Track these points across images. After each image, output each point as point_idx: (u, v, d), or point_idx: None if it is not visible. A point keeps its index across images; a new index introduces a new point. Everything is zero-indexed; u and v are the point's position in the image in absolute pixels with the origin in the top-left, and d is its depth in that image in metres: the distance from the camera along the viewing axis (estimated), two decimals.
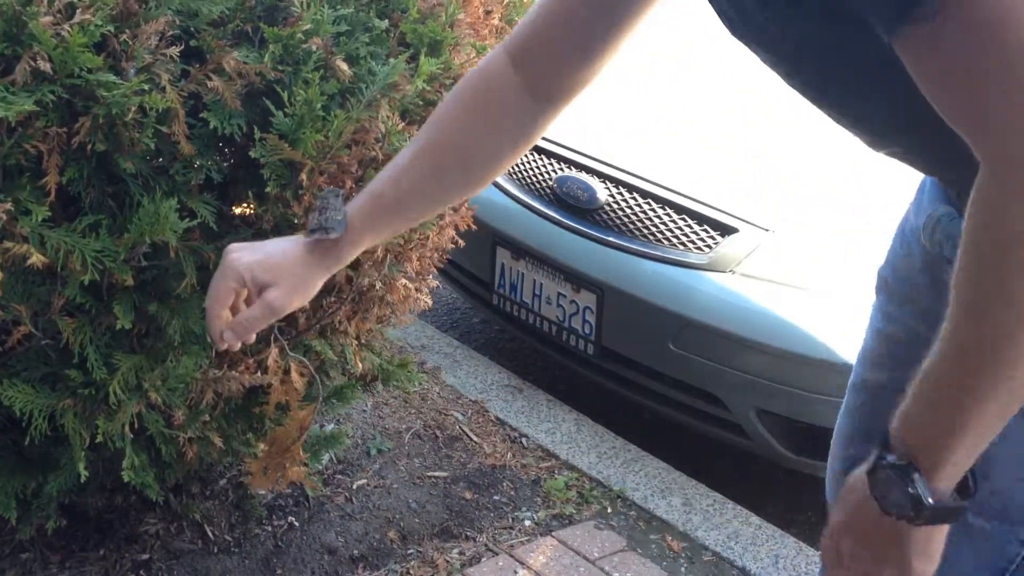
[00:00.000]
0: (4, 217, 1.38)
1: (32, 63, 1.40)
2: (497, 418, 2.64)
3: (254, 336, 1.14)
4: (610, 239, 2.57)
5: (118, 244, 1.48)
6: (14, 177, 1.44)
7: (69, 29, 1.40)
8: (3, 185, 1.42)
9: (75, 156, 1.47)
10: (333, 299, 1.87)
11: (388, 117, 1.73)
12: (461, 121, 1.11)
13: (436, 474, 2.40)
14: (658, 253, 2.50)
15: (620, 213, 2.58)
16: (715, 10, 0.93)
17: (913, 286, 1.12)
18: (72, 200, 1.52)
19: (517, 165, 2.83)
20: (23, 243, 1.41)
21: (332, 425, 2.41)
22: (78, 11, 1.43)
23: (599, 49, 1.05)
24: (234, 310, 1.13)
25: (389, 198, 1.11)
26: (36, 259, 1.41)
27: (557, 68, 1.07)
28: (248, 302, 1.13)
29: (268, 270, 1.09)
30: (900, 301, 1.15)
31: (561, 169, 2.73)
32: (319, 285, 1.13)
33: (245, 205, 1.73)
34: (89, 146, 1.45)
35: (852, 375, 1.25)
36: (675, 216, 2.50)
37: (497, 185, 2.83)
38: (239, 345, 1.14)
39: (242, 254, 1.10)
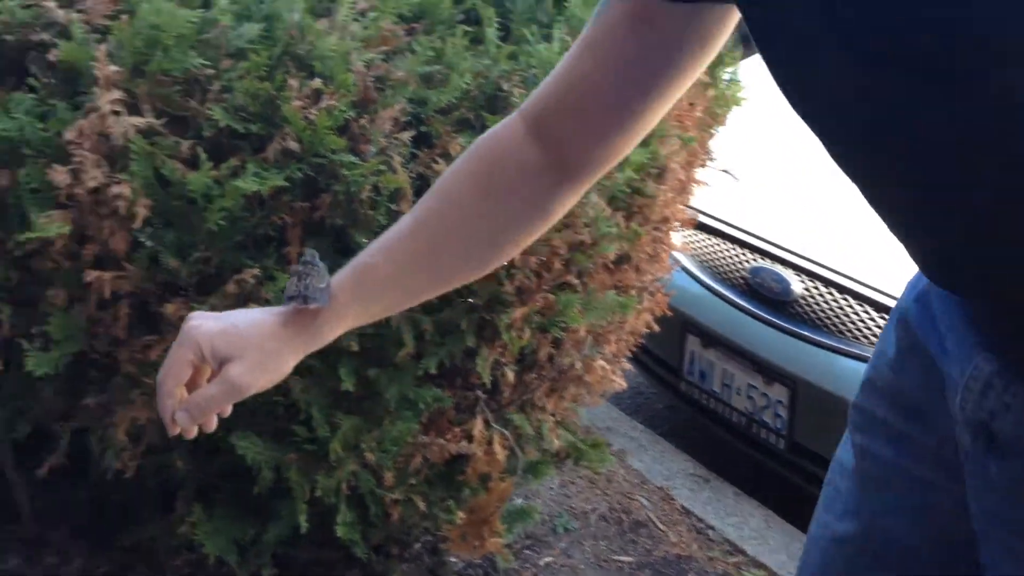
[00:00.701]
0: (252, 281, 1.52)
1: (283, 142, 1.55)
2: (683, 507, 2.63)
3: (214, 421, 0.97)
4: (804, 333, 2.55)
5: None
6: (262, 246, 1.58)
7: (316, 113, 1.54)
8: (253, 253, 1.56)
9: (315, 229, 1.61)
10: (535, 376, 1.94)
11: (596, 203, 1.81)
12: (466, 192, 0.96)
13: (622, 559, 2.41)
14: (855, 350, 2.46)
15: (816, 307, 2.57)
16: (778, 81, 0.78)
17: (915, 416, 0.93)
18: None
19: (710, 253, 2.87)
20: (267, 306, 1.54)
21: (522, 500, 2.47)
22: (324, 96, 1.57)
23: (623, 120, 0.91)
24: (192, 386, 0.96)
25: (382, 271, 0.96)
26: None
27: (576, 139, 0.92)
28: (211, 378, 0.96)
29: (231, 342, 0.92)
30: (887, 434, 0.97)
31: (755, 259, 2.74)
32: (291, 364, 0.97)
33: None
34: (329, 221, 1.59)
35: (812, 525, 1.07)
36: (873, 313, 2.47)
37: (688, 272, 2.87)
38: (194, 431, 0.96)
39: (204, 322, 0.94)
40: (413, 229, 0.96)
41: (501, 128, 0.95)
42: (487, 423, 1.78)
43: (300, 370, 1.66)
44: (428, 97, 1.70)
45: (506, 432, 1.81)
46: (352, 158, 1.57)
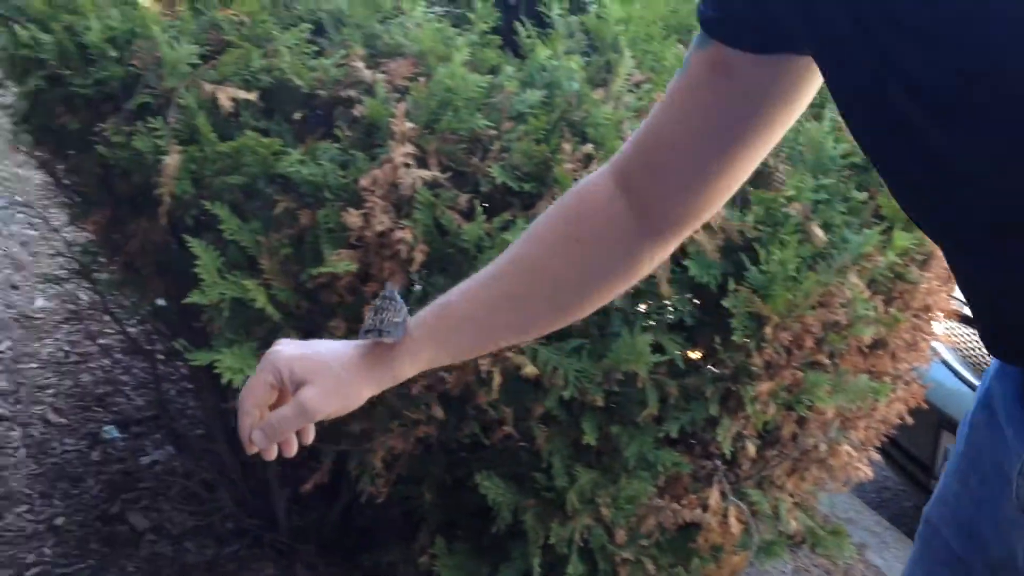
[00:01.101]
0: None
1: (552, 201, 1.63)
2: None
3: (294, 445, 0.99)
4: None
5: (596, 368, 1.66)
6: None
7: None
8: None
9: None
10: (776, 453, 1.92)
11: (855, 284, 1.78)
12: (553, 237, 0.95)
13: None
14: None
15: None
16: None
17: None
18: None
19: (973, 348, 2.73)
20: (520, 355, 1.63)
21: None
22: (594, 161, 1.65)
23: (705, 174, 0.88)
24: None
25: (459, 313, 0.96)
26: (529, 370, 1.62)
27: (658, 192, 0.90)
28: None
29: (308, 367, 0.95)
30: (946, 556, 0.92)
31: None
32: (364, 396, 0.98)
33: (707, 349, 1.85)
34: None
35: None
36: None
37: (948, 366, 2.74)
38: (273, 451, 0.98)
39: (286, 348, 0.97)
40: (497, 271, 0.96)
41: (592, 179, 0.95)
42: (723, 494, 1.78)
43: (546, 419, 1.74)
44: None
45: (742, 506, 1.80)
46: None
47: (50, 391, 3.26)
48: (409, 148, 1.53)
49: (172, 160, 1.50)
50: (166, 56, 1.54)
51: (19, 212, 4.33)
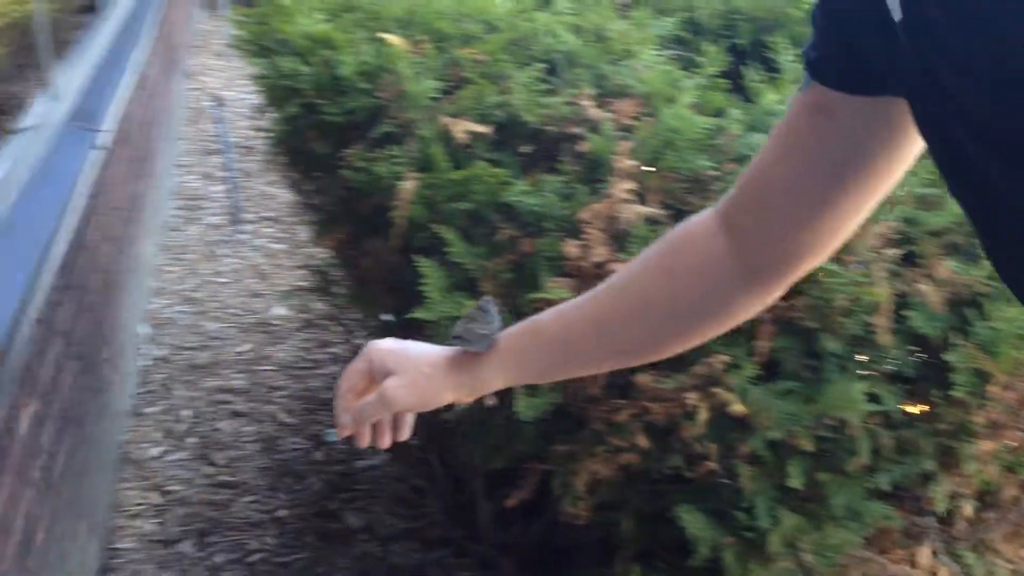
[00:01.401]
0: (720, 367, 1.63)
1: None
2: None
3: (387, 438, 1.03)
4: None
5: (807, 412, 1.64)
6: (733, 335, 1.68)
7: None
8: (724, 340, 1.66)
9: (786, 327, 1.68)
10: (995, 516, 1.84)
11: None
12: (650, 267, 0.94)
13: None
14: None
15: None
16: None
17: None
18: (774, 364, 1.72)
19: None
20: (729, 392, 1.64)
21: None
22: None
23: (807, 217, 0.85)
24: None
25: (549, 333, 0.96)
26: (736, 408, 1.63)
27: (758, 234, 0.87)
28: None
29: (397, 360, 0.98)
30: None
31: None
32: (443, 398, 1.00)
33: (926, 402, 1.80)
34: (801, 322, 1.65)
35: None
36: None
37: None
38: (365, 437, 1.02)
39: (383, 343, 1.01)
40: (591, 296, 0.96)
41: (699, 216, 0.93)
42: (935, 553, 1.72)
43: (751, 458, 1.74)
44: (921, 218, 1.70)
45: (955, 567, 1.73)
46: (835, 266, 1.62)
47: (282, 393, 3.50)
48: (630, 184, 1.58)
49: (408, 185, 1.61)
50: (410, 90, 1.66)
51: (266, 227, 4.68)
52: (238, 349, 3.73)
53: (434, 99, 1.70)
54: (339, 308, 3.35)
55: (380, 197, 1.74)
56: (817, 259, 0.88)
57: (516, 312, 1.74)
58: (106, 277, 3.01)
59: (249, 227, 4.64)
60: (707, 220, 0.92)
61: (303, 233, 4.58)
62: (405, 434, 1.05)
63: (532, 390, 1.77)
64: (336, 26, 1.90)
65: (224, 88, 6.84)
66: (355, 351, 2.81)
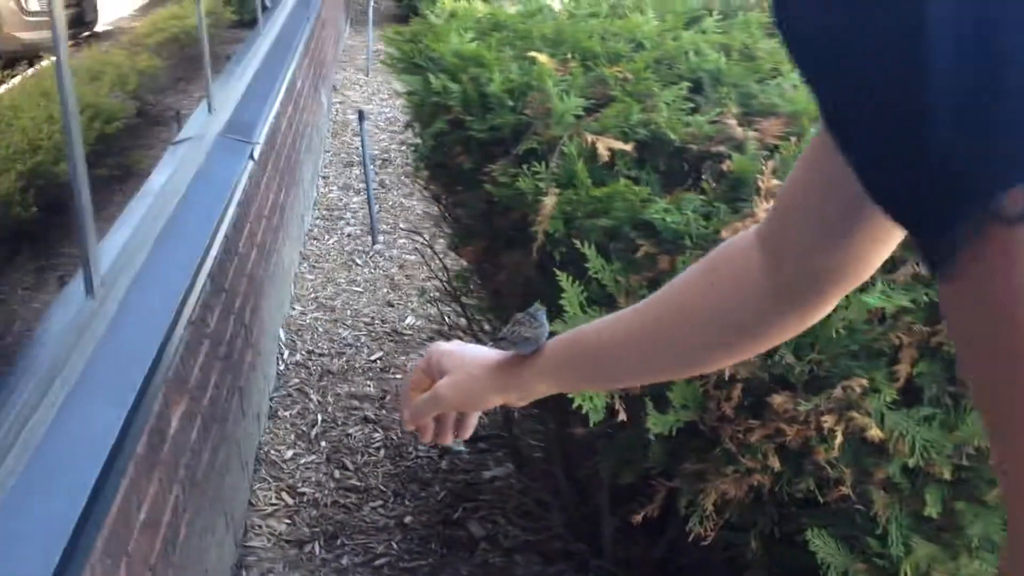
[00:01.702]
0: (858, 391, 1.62)
1: (915, 267, 1.63)
2: None
3: (447, 435, 1.08)
4: None
5: (947, 439, 1.62)
6: (874, 359, 1.67)
7: None
8: (865, 364, 1.65)
9: (928, 353, 1.66)
10: None
11: None
12: (691, 281, 0.94)
13: None
14: None
15: None
16: None
17: None
18: (915, 390, 1.70)
19: None
20: (866, 416, 1.63)
21: None
22: None
23: (829, 240, 0.81)
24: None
25: (590, 341, 0.98)
26: (873, 433, 1.61)
27: (788, 251, 0.85)
28: None
29: (451, 361, 1.04)
30: None
31: None
32: (489, 400, 1.05)
33: None
34: (944, 348, 1.63)
35: None
36: None
37: None
38: (427, 432, 1.08)
39: (442, 344, 1.07)
40: (636, 307, 0.97)
41: (741, 232, 0.93)
42: None
43: (886, 485, 1.72)
44: None
45: None
46: None
47: None
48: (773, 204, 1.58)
49: (549, 201, 1.65)
50: (556, 107, 1.71)
51: (401, 238, 4.80)
52: (370, 356, 3.84)
53: (578, 116, 1.74)
54: (468, 319, 3.43)
55: (520, 211, 1.79)
56: (848, 284, 0.86)
57: None
58: (251, 282, 3.15)
59: (384, 238, 4.76)
60: (748, 236, 0.91)
61: (436, 245, 4.70)
62: (467, 433, 1.09)
63: (663, 407, 1.79)
64: (485, 45, 1.96)
65: (365, 102, 7.06)
66: None
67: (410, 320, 4.08)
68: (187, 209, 2.50)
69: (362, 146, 4.60)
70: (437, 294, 3.73)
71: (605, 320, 0.99)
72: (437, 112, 1.90)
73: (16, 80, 5.29)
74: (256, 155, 3.11)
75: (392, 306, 4.20)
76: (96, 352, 1.81)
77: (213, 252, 2.43)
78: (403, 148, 6.08)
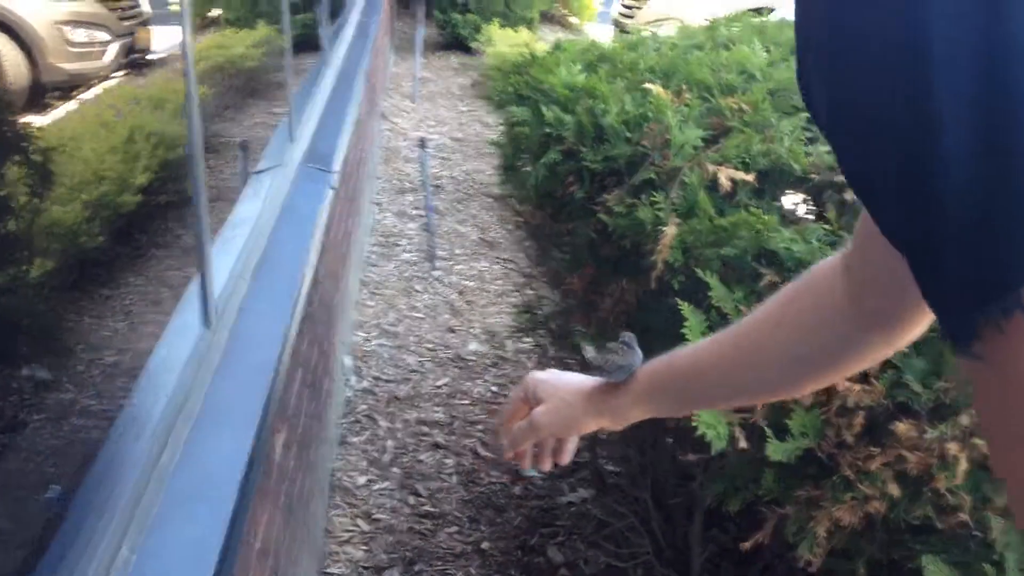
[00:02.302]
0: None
1: None
2: None
3: (547, 462, 1.11)
4: None
5: None
6: None
7: None
8: None
9: None
10: None
11: None
12: (780, 303, 0.94)
13: None
14: None
15: None
16: None
17: None
18: None
19: None
20: None
21: None
22: None
23: (913, 290, 0.78)
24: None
25: (681, 367, 1.00)
26: None
27: (866, 281, 0.84)
28: None
29: (547, 389, 1.07)
30: None
31: None
32: (585, 425, 1.07)
33: None
34: None
35: None
36: None
37: None
38: (526, 459, 1.11)
39: (540, 373, 1.10)
40: (729, 329, 0.98)
41: (830, 257, 0.92)
42: None
43: (1006, 512, 1.72)
44: None
45: None
46: None
47: (479, 427, 3.60)
48: None
49: (670, 230, 1.67)
50: (675, 138, 1.73)
51: (458, 264, 4.84)
52: (436, 383, 3.86)
53: (697, 147, 1.77)
54: (541, 347, 3.44)
55: (636, 241, 1.81)
56: (922, 322, 0.85)
57: None
58: (329, 311, 3.19)
59: (441, 264, 4.80)
60: (836, 260, 0.91)
61: (492, 272, 4.73)
62: (565, 459, 1.12)
63: (783, 435, 1.80)
64: (595, 77, 1.99)
65: (413, 129, 7.12)
66: None
67: (473, 346, 4.11)
68: (279, 239, 2.54)
69: (423, 172, 4.64)
70: (502, 320, 3.74)
71: (699, 345, 1.01)
72: (549, 143, 1.92)
73: (74, 109, 5.37)
74: (336, 184, 3.15)
75: (454, 332, 4.23)
76: (214, 383, 1.84)
77: (305, 284, 2.47)
78: (454, 176, 6.13)
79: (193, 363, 1.83)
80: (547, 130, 1.89)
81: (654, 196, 1.77)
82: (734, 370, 0.97)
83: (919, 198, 0.49)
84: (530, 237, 2.55)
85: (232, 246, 2.36)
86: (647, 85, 1.85)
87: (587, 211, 1.94)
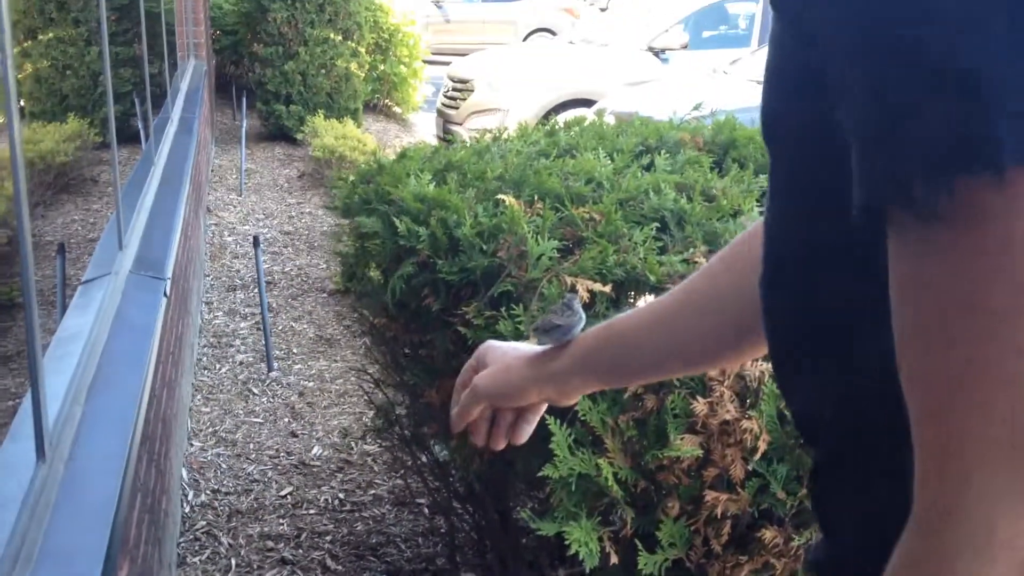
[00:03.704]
0: None
1: None
2: None
3: (501, 441, 1.06)
4: None
5: None
6: None
7: None
8: None
9: None
10: None
11: None
12: (714, 264, 0.94)
13: None
14: None
15: None
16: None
17: None
18: None
19: None
20: None
21: None
22: None
23: None
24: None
25: (618, 329, 0.97)
26: None
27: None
28: None
29: (492, 356, 1.04)
30: None
31: None
32: (526, 393, 1.01)
33: None
34: None
35: None
36: None
37: None
38: (481, 432, 1.06)
39: (493, 341, 1.09)
40: (663, 297, 0.97)
41: (757, 221, 0.90)
42: None
43: None
44: None
45: None
46: None
47: (328, 538, 3.46)
48: None
49: (532, 342, 1.65)
50: (532, 250, 1.72)
51: (296, 363, 4.69)
52: (280, 492, 3.70)
53: (552, 259, 1.76)
54: (391, 448, 3.35)
55: None
56: None
57: (637, 469, 1.77)
58: (165, 425, 3.01)
59: (279, 364, 4.65)
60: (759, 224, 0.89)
61: (331, 371, 4.61)
62: (521, 438, 1.06)
63: (652, 546, 1.79)
64: (446, 188, 1.97)
65: (240, 223, 6.94)
66: (401, 492, 2.84)
67: (317, 450, 3.97)
68: (113, 355, 2.39)
69: (258, 272, 4.51)
70: (344, 422, 3.63)
71: (637, 309, 0.99)
72: (402, 255, 1.88)
73: None
74: (168, 291, 3.00)
75: (296, 436, 4.08)
76: (52, 523, 1.69)
77: (143, 403, 2.32)
78: (286, 271, 5.99)
79: (29, 502, 1.67)
80: (401, 242, 1.86)
81: (514, 309, 1.75)
82: (670, 331, 0.94)
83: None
84: (380, 343, 2.49)
85: (64, 364, 2.20)
86: (500, 196, 1.85)
87: (444, 323, 1.90)
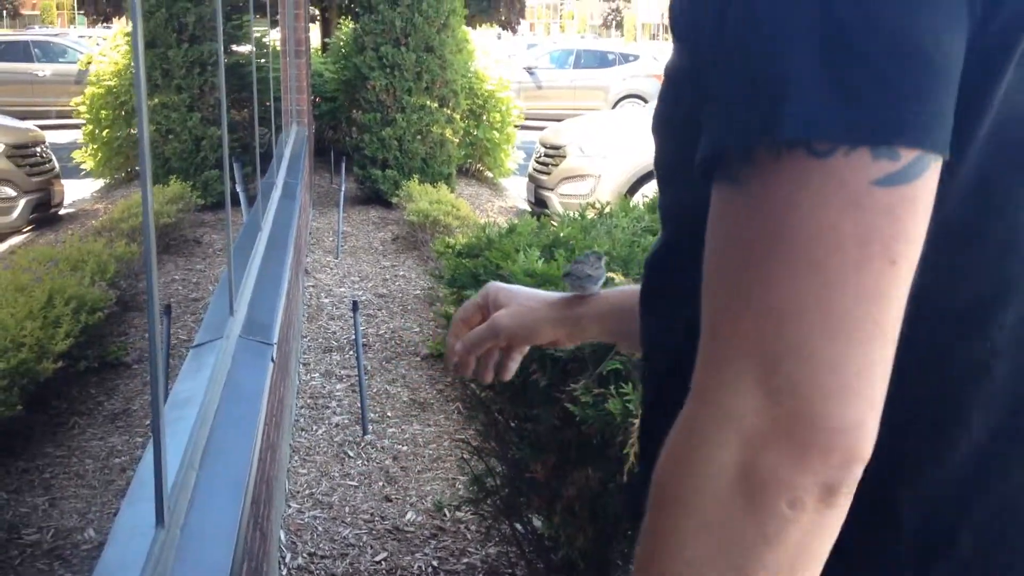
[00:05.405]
0: None
1: None
2: None
3: (490, 373, 1.12)
4: None
5: None
6: None
7: None
8: None
9: None
10: None
11: None
12: None
13: None
14: None
15: None
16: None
17: None
18: None
19: None
20: None
21: None
22: None
23: None
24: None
25: (632, 293, 1.00)
26: None
27: None
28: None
29: (508, 295, 1.08)
30: None
31: None
32: (543, 333, 1.07)
33: None
34: None
35: None
36: None
37: None
38: (470, 366, 1.11)
39: (501, 283, 1.12)
40: None
41: None
42: None
43: None
44: None
45: None
46: None
47: None
48: None
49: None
50: None
51: (391, 427, 4.75)
52: (375, 557, 3.72)
53: None
54: (482, 517, 3.35)
55: (609, 432, 1.79)
56: None
57: None
58: (269, 487, 3.07)
59: (373, 427, 4.71)
60: None
61: (424, 435, 4.65)
62: (507, 375, 1.13)
63: None
64: (554, 264, 1.99)
65: (337, 285, 7.08)
66: (495, 561, 2.84)
67: (410, 516, 3.99)
68: (225, 421, 2.45)
69: (356, 336, 4.59)
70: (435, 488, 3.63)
71: None
72: None
73: None
74: (275, 356, 3.08)
75: (390, 501, 4.11)
76: None
77: (253, 470, 2.38)
78: (380, 333, 6.08)
79: (148, 568, 1.72)
80: None
81: (623, 387, 1.76)
82: None
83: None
84: (480, 412, 2.51)
85: (179, 428, 2.27)
86: (610, 274, 1.86)
87: (551, 398, 1.91)
